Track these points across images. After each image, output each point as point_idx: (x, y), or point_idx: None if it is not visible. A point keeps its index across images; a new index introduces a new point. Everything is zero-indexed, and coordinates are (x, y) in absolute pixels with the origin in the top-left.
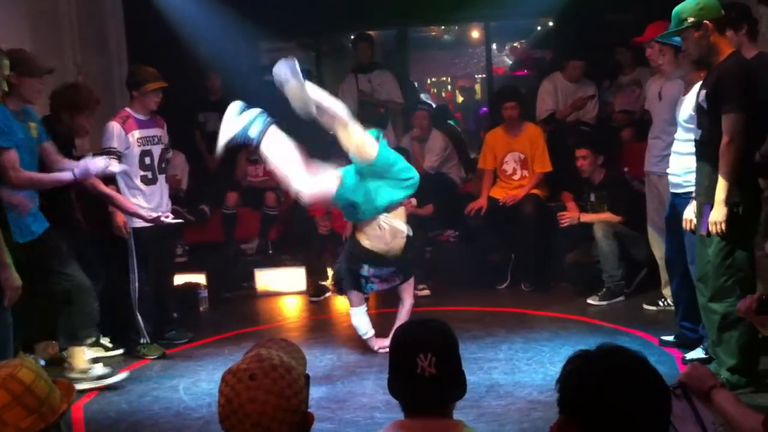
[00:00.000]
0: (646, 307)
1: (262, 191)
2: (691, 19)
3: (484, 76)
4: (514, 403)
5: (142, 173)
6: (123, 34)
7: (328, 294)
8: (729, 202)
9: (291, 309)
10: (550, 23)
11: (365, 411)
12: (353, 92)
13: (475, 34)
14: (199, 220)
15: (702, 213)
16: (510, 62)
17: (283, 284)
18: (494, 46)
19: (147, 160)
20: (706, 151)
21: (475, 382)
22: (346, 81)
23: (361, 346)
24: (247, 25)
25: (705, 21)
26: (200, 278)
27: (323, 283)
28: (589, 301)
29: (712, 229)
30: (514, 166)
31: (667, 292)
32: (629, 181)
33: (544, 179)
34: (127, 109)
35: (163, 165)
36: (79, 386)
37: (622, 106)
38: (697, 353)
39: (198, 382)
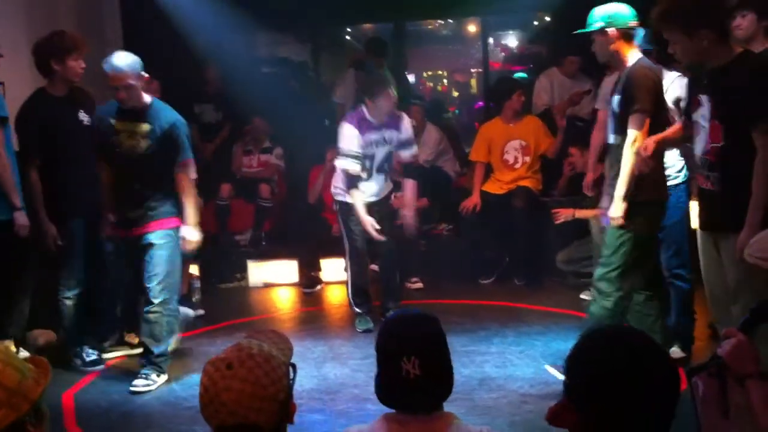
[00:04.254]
0: None
1: (257, 183)
2: (598, 24)
3: (480, 70)
4: (505, 397)
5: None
6: (119, 25)
7: (320, 286)
8: (626, 198)
9: (284, 300)
10: (547, 18)
11: (357, 402)
12: (351, 87)
13: (472, 28)
14: None
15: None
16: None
17: (276, 276)
18: (491, 40)
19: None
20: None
21: (467, 375)
22: (345, 77)
23: (353, 337)
24: (245, 17)
25: (609, 29)
26: (193, 269)
27: (315, 274)
28: (582, 296)
29: (613, 222)
30: (516, 154)
31: None
32: None
33: (539, 170)
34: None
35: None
36: None
37: None
38: (675, 352)
39: (189, 373)
